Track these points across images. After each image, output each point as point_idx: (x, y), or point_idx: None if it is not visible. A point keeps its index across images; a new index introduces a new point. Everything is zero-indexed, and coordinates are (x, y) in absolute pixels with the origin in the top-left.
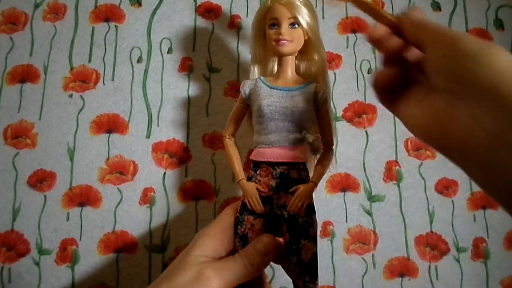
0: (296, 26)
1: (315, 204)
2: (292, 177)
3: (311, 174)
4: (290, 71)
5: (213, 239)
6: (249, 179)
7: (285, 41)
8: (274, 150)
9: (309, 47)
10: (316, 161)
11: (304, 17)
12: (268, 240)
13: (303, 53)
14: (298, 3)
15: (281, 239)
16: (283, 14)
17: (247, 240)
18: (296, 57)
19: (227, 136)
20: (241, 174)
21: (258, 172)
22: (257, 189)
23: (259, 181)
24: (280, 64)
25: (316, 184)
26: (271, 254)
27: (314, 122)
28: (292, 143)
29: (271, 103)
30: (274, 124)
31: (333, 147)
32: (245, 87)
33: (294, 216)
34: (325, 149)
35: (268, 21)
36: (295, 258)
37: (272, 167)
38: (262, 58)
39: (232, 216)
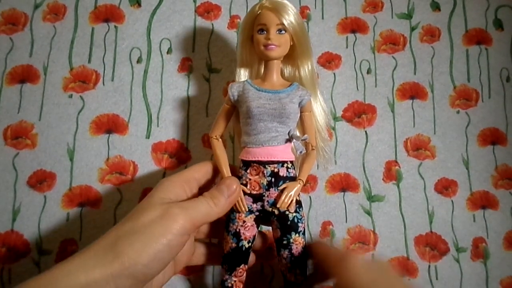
0: (283, 32)
1: (314, 204)
2: (281, 175)
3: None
4: (275, 74)
5: (176, 185)
6: (239, 178)
7: (273, 46)
8: (265, 150)
9: (294, 52)
10: (300, 161)
11: (290, 24)
12: (230, 181)
13: (289, 57)
14: (285, 11)
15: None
16: (272, 20)
17: (240, 236)
18: (281, 61)
19: (214, 137)
20: (227, 174)
21: (248, 171)
22: (248, 189)
23: (250, 179)
24: (266, 68)
25: (303, 182)
26: (234, 195)
27: (298, 123)
28: (281, 143)
29: (260, 105)
30: (263, 124)
31: (329, 145)
32: (233, 90)
33: (284, 212)
34: (309, 149)
35: (256, 27)
36: (286, 252)
37: (263, 166)
38: (248, 61)
39: (199, 173)
